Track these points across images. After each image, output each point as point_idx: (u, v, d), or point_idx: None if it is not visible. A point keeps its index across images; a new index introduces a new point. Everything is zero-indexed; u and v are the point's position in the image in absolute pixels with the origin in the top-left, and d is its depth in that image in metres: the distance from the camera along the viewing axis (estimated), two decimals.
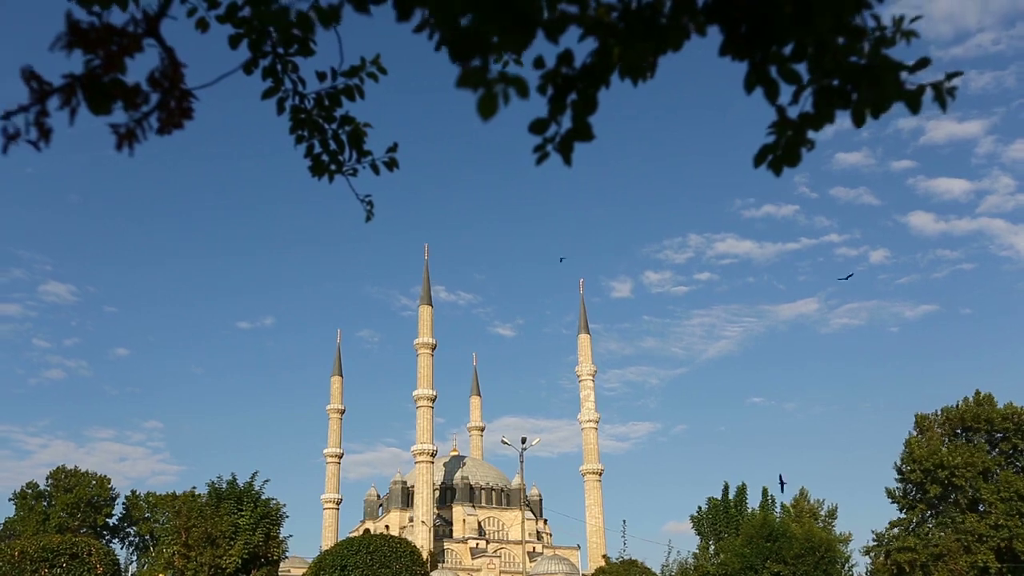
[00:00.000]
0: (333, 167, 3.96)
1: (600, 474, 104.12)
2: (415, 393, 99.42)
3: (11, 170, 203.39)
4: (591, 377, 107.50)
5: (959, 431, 60.27)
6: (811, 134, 3.23)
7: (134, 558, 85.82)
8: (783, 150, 3.15)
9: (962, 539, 53.81)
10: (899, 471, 60.85)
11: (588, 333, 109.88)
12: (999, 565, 52.82)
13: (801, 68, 2.93)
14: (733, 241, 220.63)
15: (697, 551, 52.85)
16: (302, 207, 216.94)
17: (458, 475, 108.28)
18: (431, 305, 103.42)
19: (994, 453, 58.78)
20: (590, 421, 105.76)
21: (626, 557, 42.05)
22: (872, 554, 60.08)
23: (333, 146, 3.93)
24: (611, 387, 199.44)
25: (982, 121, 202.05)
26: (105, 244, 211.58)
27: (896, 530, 59.63)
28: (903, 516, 60.30)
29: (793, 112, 3.19)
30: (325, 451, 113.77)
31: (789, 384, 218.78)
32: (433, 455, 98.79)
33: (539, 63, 2.76)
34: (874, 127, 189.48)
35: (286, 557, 55.70)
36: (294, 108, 3.86)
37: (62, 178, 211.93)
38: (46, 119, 2.59)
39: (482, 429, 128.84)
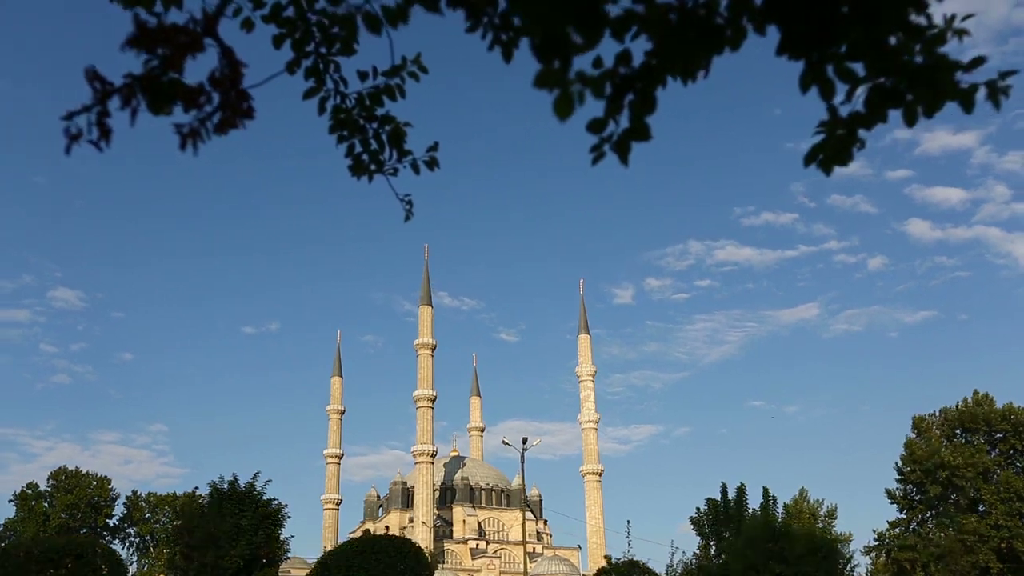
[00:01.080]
0: (373, 167, 3.96)
1: (600, 474, 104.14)
2: (415, 394, 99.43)
3: (22, 179, 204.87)
4: (591, 378, 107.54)
5: (958, 431, 60.33)
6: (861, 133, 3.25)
7: (134, 559, 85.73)
8: (833, 149, 3.16)
9: (963, 539, 53.85)
10: (899, 471, 60.93)
11: (588, 334, 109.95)
12: (1000, 565, 52.85)
13: (856, 67, 2.94)
14: (733, 248, 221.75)
15: (698, 552, 52.81)
16: (305, 210, 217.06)
17: (458, 475, 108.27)
18: (431, 306, 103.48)
19: (994, 453, 58.85)
20: (590, 422, 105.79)
21: (630, 557, 41.98)
22: (873, 554, 60.12)
23: (374, 146, 3.93)
24: (615, 391, 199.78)
25: (976, 132, 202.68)
26: (113, 250, 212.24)
27: (896, 530, 59.70)
28: (903, 516, 60.37)
29: (840, 112, 3.21)
30: (325, 452, 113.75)
31: (790, 387, 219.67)
32: (433, 456, 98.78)
33: (598, 63, 2.75)
34: (869, 139, 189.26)
35: (287, 558, 55.51)
36: (335, 108, 3.85)
37: (71, 185, 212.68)
38: (107, 119, 2.59)
39: (482, 430, 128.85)
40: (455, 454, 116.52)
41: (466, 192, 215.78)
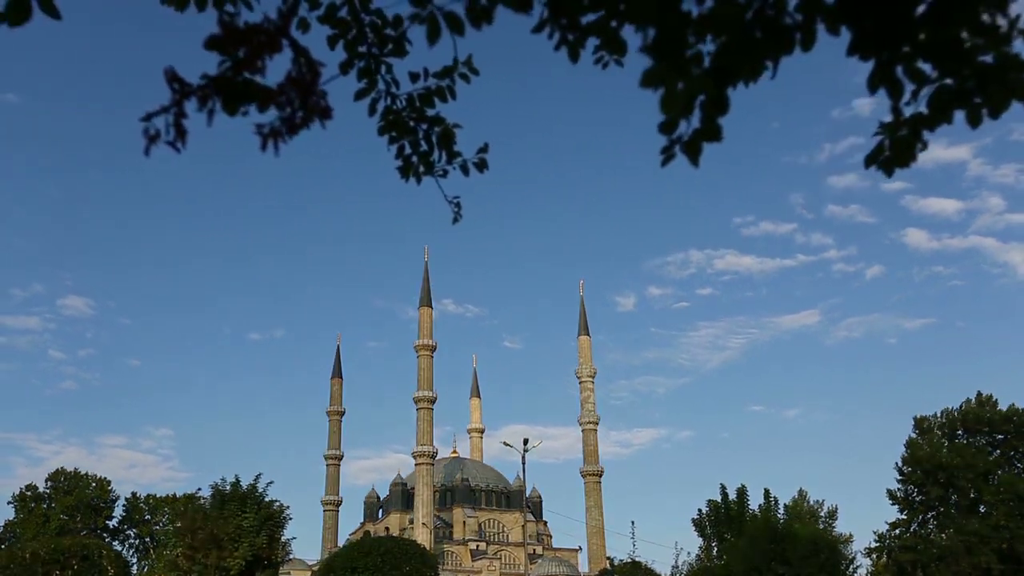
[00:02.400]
0: (422, 168, 3.95)
1: (600, 475, 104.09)
2: (415, 395, 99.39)
3: (35, 190, 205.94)
4: (591, 379, 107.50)
5: (960, 432, 60.32)
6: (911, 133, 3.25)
7: (134, 560, 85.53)
8: (896, 150, 3.16)
9: (964, 540, 53.84)
10: (900, 472, 60.88)
11: (588, 335, 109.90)
12: (1001, 566, 52.82)
13: (923, 67, 2.94)
14: (733, 257, 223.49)
15: (700, 553, 52.80)
16: (310, 215, 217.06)
17: (458, 477, 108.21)
18: (431, 307, 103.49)
19: (995, 454, 58.84)
20: (590, 423, 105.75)
21: (633, 558, 42.01)
22: (874, 556, 60.09)
23: (423, 147, 3.92)
24: (619, 396, 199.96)
25: (970, 145, 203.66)
26: (123, 258, 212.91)
27: (897, 531, 59.67)
28: (903, 517, 60.33)
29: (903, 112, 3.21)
30: (325, 453, 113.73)
31: (791, 392, 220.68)
32: (433, 457, 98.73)
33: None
34: (861, 152, 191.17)
35: (288, 559, 55.33)
36: (386, 109, 3.85)
37: (82, 196, 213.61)
38: (184, 120, 2.59)
39: (482, 431, 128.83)
40: (455, 456, 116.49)
41: (469, 198, 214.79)
